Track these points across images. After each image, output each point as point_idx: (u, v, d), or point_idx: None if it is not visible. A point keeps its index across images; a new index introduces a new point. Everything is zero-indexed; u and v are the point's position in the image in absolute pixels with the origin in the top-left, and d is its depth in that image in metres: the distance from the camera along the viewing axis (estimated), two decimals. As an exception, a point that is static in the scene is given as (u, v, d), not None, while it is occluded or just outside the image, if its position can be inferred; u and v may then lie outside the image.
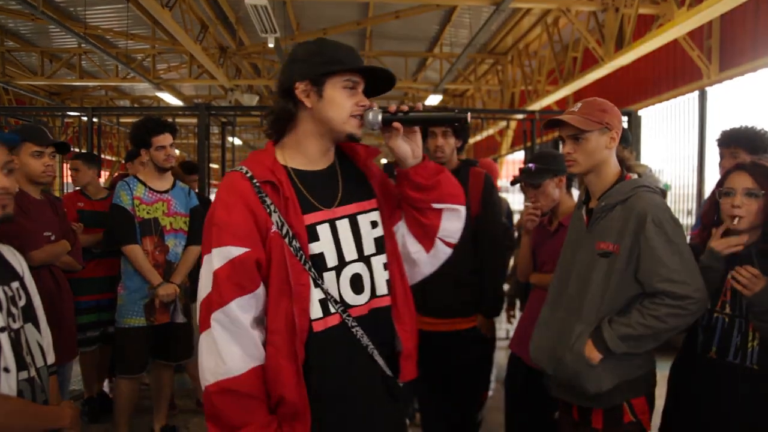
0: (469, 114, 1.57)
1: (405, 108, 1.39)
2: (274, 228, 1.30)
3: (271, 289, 1.30)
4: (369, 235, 1.43)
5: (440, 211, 1.47)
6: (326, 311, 1.32)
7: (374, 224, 1.45)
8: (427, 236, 1.50)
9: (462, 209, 1.52)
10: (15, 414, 1.30)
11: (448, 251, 1.56)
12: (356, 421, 1.36)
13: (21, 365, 1.36)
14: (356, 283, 1.38)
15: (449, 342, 2.78)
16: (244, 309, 1.26)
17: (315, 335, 1.30)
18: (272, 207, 1.30)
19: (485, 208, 2.69)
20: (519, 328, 2.65)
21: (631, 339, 1.67)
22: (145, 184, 3.07)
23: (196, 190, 4.37)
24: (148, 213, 3.02)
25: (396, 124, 1.37)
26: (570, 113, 1.80)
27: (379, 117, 1.37)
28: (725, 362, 1.77)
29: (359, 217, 1.42)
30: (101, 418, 3.59)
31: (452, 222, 1.50)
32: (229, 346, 1.24)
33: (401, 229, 1.52)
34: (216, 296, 1.25)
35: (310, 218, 1.34)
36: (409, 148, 1.41)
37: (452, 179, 1.50)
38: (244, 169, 1.34)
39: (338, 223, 1.38)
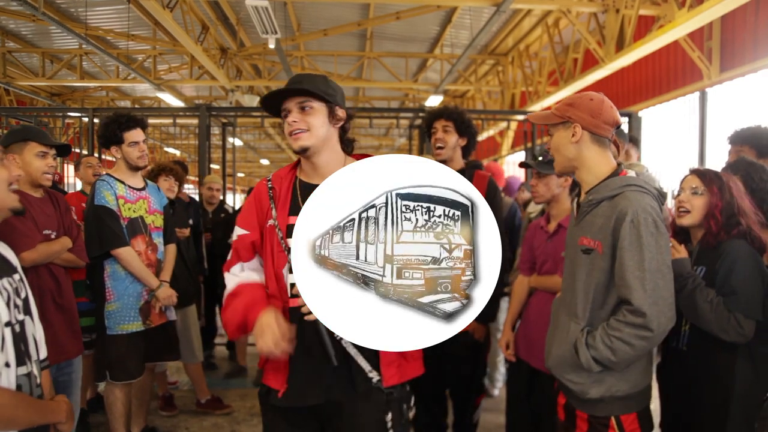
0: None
1: None
2: (271, 222, 1.65)
3: (266, 265, 1.67)
4: None
5: None
6: (294, 294, 1.57)
7: None
8: None
9: None
10: (16, 407, 1.32)
11: None
12: (305, 386, 1.61)
13: (21, 360, 1.38)
14: None
15: (441, 342, 2.78)
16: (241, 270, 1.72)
17: (291, 309, 1.60)
18: (272, 204, 1.67)
19: None
20: (520, 331, 2.64)
21: (599, 363, 1.62)
22: (123, 183, 2.89)
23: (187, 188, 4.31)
24: (134, 212, 2.88)
25: None
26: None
27: None
28: (669, 347, 2.02)
29: None
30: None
31: None
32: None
33: None
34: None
35: (293, 219, 1.58)
36: None
37: None
38: (270, 176, 1.75)
39: None
